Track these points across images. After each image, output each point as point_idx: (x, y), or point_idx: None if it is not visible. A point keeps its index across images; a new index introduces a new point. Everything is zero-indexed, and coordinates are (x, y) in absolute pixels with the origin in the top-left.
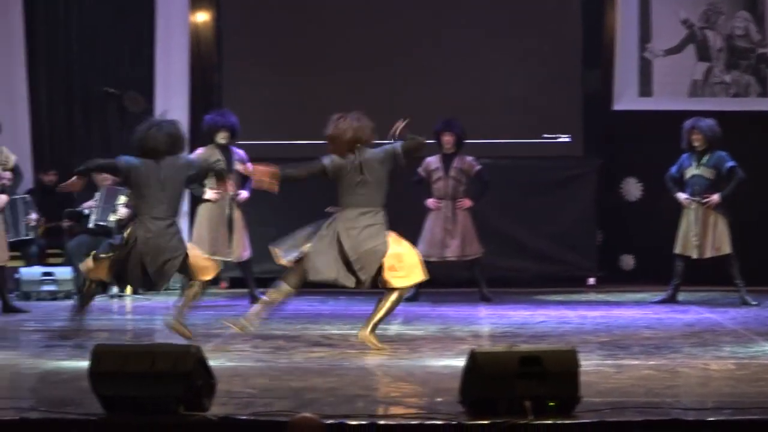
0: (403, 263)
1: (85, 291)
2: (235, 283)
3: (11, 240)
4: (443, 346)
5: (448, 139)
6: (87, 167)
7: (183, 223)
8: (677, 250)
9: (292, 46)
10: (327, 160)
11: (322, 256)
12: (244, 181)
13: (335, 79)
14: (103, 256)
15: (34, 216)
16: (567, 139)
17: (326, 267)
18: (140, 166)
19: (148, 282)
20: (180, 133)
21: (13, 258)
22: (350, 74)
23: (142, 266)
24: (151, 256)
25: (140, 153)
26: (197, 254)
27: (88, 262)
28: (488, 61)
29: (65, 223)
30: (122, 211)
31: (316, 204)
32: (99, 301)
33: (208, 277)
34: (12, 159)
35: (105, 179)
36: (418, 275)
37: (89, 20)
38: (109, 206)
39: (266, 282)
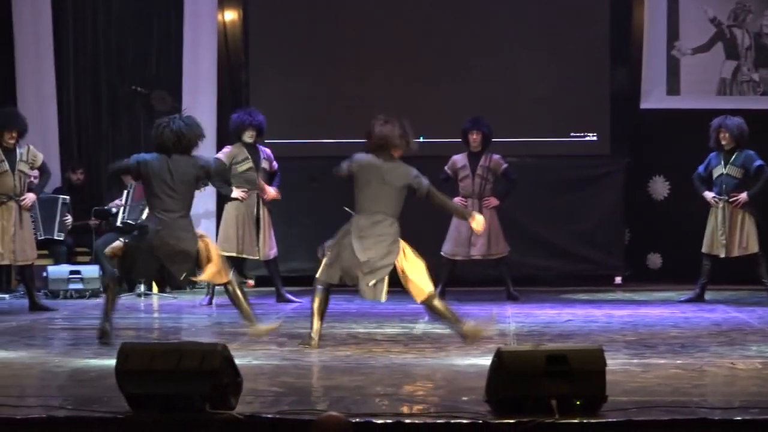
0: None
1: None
2: (261, 281)
3: (41, 238)
4: (469, 344)
5: (475, 137)
6: (108, 175)
7: (210, 221)
8: (705, 249)
9: (320, 44)
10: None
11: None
12: (271, 179)
13: (362, 78)
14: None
15: (70, 219)
16: (594, 138)
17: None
18: (152, 161)
19: (166, 277)
20: (189, 131)
21: (41, 256)
22: (377, 73)
23: (156, 260)
24: (163, 249)
25: (154, 147)
26: (214, 255)
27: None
28: (516, 60)
29: (93, 222)
30: None
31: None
32: (126, 299)
33: (220, 281)
34: (40, 158)
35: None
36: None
37: (117, 20)
38: (137, 204)
39: (292, 281)
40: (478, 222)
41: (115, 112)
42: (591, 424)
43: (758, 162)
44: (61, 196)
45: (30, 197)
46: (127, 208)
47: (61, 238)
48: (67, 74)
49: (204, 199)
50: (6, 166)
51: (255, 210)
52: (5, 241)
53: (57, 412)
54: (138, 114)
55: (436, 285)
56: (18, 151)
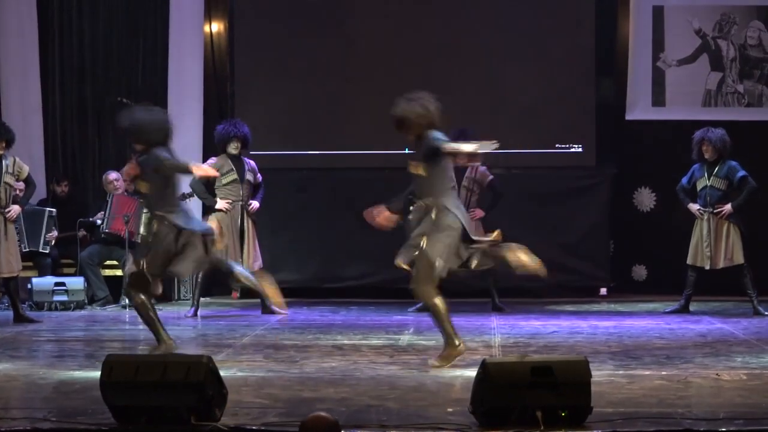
0: None
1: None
2: (246, 293)
3: (26, 250)
4: None
5: None
6: None
7: None
8: (689, 260)
9: (306, 56)
10: None
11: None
12: (255, 191)
13: (348, 90)
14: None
15: (55, 233)
16: (579, 149)
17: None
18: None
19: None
20: (140, 122)
21: (25, 268)
22: (363, 84)
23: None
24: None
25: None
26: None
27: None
28: (501, 71)
29: (81, 233)
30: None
31: (326, 215)
32: (111, 311)
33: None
34: (25, 169)
35: (116, 188)
36: None
37: (103, 31)
38: (116, 215)
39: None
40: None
41: (101, 123)
42: None
43: (741, 173)
44: (48, 209)
45: (15, 209)
46: (107, 217)
47: (47, 251)
48: (52, 85)
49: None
50: None
51: (239, 221)
52: None
53: (42, 425)
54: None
55: None
56: (4, 162)
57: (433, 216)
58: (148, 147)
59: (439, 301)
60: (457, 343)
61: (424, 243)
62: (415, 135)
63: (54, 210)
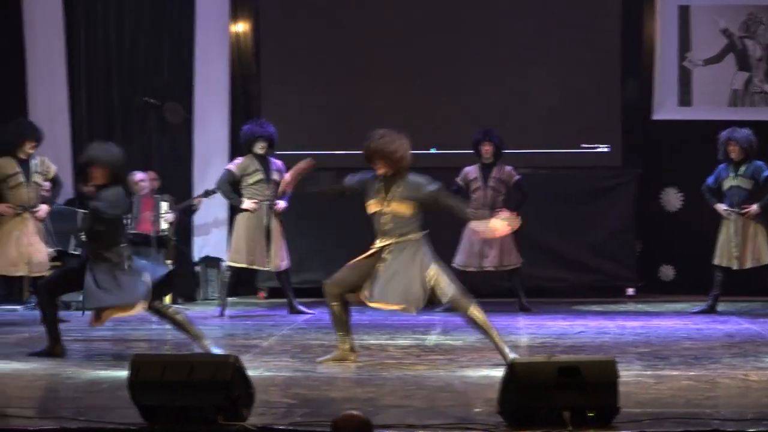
0: None
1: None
2: (273, 293)
3: (55, 250)
4: (481, 356)
5: (487, 148)
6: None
7: (221, 232)
8: (716, 260)
9: (331, 56)
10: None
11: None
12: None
13: (374, 89)
14: None
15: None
16: (606, 149)
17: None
18: None
19: None
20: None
21: (53, 268)
22: (389, 84)
23: None
24: None
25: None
26: None
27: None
28: (527, 71)
29: None
30: (169, 217)
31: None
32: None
33: None
34: (53, 169)
35: (141, 188)
36: None
37: (129, 31)
38: (142, 215)
39: (305, 292)
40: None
41: (128, 123)
42: None
43: (767, 172)
44: (81, 211)
45: (44, 209)
46: (133, 219)
47: (77, 253)
48: (79, 85)
49: (215, 210)
50: (21, 177)
51: (266, 221)
52: (20, 252)
53: (69, 424)
54: (150, 125)
55: None
56: (32, 162)
57: (417, 250)
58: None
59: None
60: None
61: (433, 279)
62: (392, 171)
63: (87, 212)
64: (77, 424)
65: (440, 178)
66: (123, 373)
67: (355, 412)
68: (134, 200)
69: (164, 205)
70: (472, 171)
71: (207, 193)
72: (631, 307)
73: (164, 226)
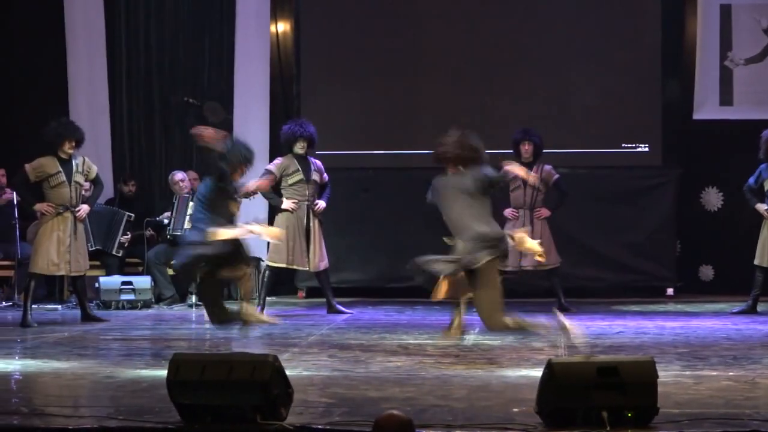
0: None
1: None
2: (312, 292)
3: (92, 249)
4: (520, 356)
5: (527, 148)
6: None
7: None
8: (757, 260)
9: (371, 56)
10: None
11: None
12: (321, 191)
13: (414, 89)
14: None
15: (129, 236)
16: (646, 149)
17: None
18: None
19: None
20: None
21: (93, 267)
22: (429, 84)
23: None
24: None
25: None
26: None
27: None
28: (567, 71)
29: (149, 233)
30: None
31: (391, 214)
32: (177, 310)
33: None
34: (94, 169)
35: (182, 188)
36: None
37: (169, 31)
38: (182, 215)
39: (343, 292)
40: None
41: (168, 123)
42: None
43: None
44: (127, 213)
45: (84, 208)
46: (173, 220)
47: (119, 254)
48: (119, 86)
49: (254, 210)
50: (63, 177)
51: (305, 221)
52: (61, 251)
53: (108, 423)
54: (190, 125)
55: None
56: (74, 162)
57: None
58: None
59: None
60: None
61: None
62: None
63: (132, 215)
64: (116, 423)
65: None
66: (162, 372)
67: (396, 412)
68: (175, 201)
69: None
70: None
71: (247, 195)
72: (670, 307)
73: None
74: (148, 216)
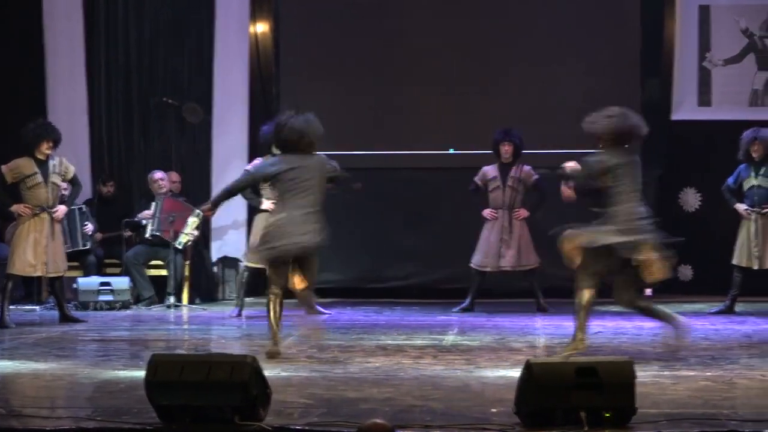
0: None
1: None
2: (291, 293)
3: (69, 251)
4: (499, 356)
5: (506, 148)
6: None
7: (240, 233)
8: (735, 260)
9: (351, 56)
10: None
11: None
12: None
13: (393, 89)
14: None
15: (90, 226)
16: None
17: None
18: (273, 163)
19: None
20: (309, 128)
21: (71, 268)
22: (408, 84)
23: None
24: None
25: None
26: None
27: None
28: (547, 71)
29: (127, 233)
30: (193, 233)
31: (371, 215)
32: (156, 310)
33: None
34: (71, 170)
35: (161, 187)
36: None
37: (148, 32)
38: (166, 216)
39: (323, 292)
40: None
41: (146, 124)
42: None
43: None
44: (77, 205)
45: (62, 209)
46: (156, 220)
47: (88, 247)
48: (98, 86)
49: (233, 210)
50: (40, 177)
51: None
52: (38, 252)
53: (86, 423)
54: (169, 126)
55: (465, 297)
56: (50, 162)
57: None
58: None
59: None
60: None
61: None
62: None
63: (83, 206)
64: (94, 424)
65: (459, 178)
66: (140, 373)
67: (379, 421)
68: (157, 202)
69: (194, 220)
70: (490, 170)
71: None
72: None
73: (183, 239)
74: (127, 216)
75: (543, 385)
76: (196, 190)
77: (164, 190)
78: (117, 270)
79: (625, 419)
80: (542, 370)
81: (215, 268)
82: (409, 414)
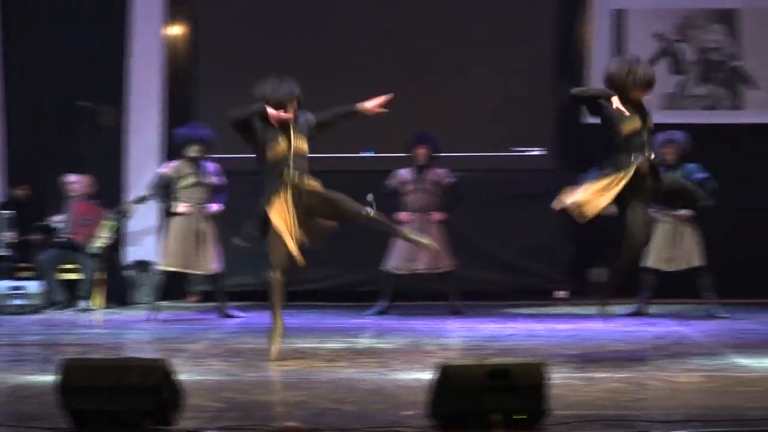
0: None
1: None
2: (206, 296)
3: None
4: (413, 359)
5: (421, 151)
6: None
7: (153, 236)
8: (647, 263)
9: (269, 59)
10: None
11: None
12: (217, 193)
13: (314, 91)
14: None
15: (11, 233)
16: (542, 152)
17: None
18: None
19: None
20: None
21: None
22: (325, 87)
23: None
24: None
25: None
26: None
27: None
28: (462, 75)
29: (34, 237)
30: (108, 237)
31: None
32: (68, 314)
33: None
34: None
35: (72, 190)
36: None
37: (63, 33)
38: (79, 220)
39: (237, 296)
40: None
41: (60, 126)
42: None
43: (701, 175)
44: (2, 211)
45: None
46: (68, 224)
47: (7, 254)
48: (13, 88)
49: (147, 214)
50: None
51: (198, 224)
52: None
53: None
54: (83, 129)
55: (380, 300)
56: None
57: None
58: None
59: None
60: None
61: None
62: None
63: (6, 212)
64: (6, 430)
65: (375, 181)
66: (53, 378)
67: (293, 424)
68: (68, 204)
69: (109, 224)
70: (405, 173)
71: (141, 199)
72: (562, 309)
73: (96, 244)
74: (39, 219)
75: (456, 388)
76: (109, 193)
77: (77, 193)
78: (29, 274)
79: (537, 421)
80: (456, 372)
81: (128, 272)
82: (323, 417)
